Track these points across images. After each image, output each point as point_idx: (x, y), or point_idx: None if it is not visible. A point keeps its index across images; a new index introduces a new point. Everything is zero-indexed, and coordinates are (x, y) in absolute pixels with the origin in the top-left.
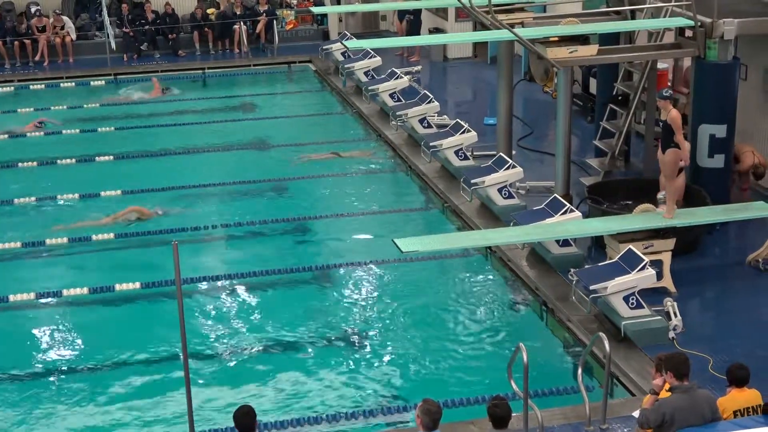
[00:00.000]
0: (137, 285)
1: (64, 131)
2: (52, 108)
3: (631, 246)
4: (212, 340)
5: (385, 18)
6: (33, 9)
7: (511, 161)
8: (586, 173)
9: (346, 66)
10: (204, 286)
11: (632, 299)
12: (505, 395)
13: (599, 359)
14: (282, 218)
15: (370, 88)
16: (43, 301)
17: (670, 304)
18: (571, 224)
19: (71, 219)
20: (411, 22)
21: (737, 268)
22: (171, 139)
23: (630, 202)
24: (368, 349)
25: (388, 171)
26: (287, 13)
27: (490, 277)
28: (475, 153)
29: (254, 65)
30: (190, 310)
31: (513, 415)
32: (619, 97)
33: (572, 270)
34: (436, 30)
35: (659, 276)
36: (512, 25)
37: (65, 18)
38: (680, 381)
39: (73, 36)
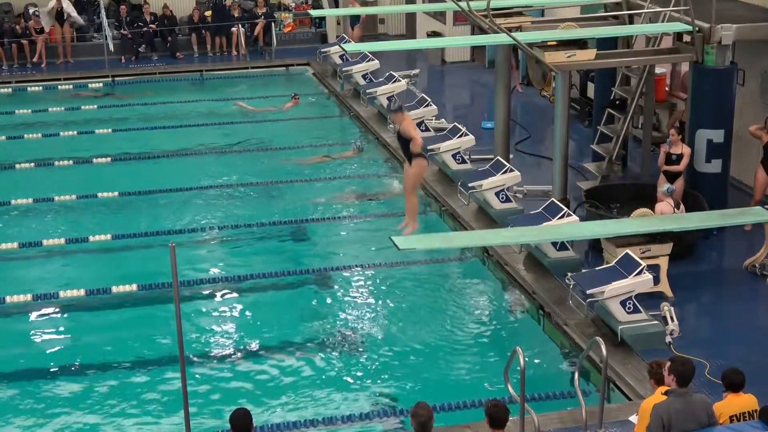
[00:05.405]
0: (134, 287)
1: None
2: (50, 110)
3: (628, 250)
4: (208, 342)
5: (383, 21)
6: (31, 10)
7: (508, 165)
8: (584, 177)
9: (344, 69)
10: (200, 288)
11: (629, 303)
12: (502, 399)
13: (596, 363)
14: (278, 221)
15: (368, 91)
16: (39, 302)
17: (667, 308)
18: (567, 227)
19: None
20: None
21: (734, 272)
22: (167, 141)
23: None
24: (364, 352)
25: (384, 174)
26: (285, 16)
27: (487, 280)
28: (472, 156)
29: (252, 68)
30: (187, 312)
31: (510, 418)
32: (617, 102)
33: (569, 274)
34: (434, 33)
35: (656, 280)
36: (510, 29)
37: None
38: (679, 387)
39: (78, 20)
